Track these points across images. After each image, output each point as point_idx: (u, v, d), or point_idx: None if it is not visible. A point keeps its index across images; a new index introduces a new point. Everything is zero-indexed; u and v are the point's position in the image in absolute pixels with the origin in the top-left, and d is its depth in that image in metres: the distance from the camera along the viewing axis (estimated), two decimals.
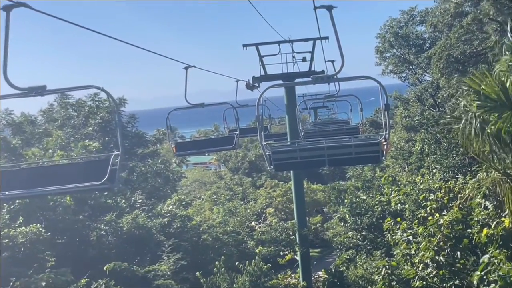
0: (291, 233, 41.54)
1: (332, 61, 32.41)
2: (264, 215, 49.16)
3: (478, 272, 21.66)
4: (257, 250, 26.10)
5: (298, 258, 38.74)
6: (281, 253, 39.75)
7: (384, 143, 12.70)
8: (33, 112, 40.67)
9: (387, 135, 12.47)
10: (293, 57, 34.38)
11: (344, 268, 36.34)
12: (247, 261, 25.26)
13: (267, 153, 13.08)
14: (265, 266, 25.24)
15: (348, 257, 35.51)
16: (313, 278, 41.08)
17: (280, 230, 40.60)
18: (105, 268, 22.89)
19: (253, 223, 45.31)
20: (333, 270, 40.96)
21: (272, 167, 13.24)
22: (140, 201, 30.33)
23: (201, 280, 23.66)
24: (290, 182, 40.67)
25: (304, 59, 35.04)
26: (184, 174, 68.16)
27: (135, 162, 38.52)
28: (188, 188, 62.44)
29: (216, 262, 24.64)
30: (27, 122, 37.20)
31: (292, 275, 40.62)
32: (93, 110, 39.48)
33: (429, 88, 41.97)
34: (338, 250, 39.27)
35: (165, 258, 25.38)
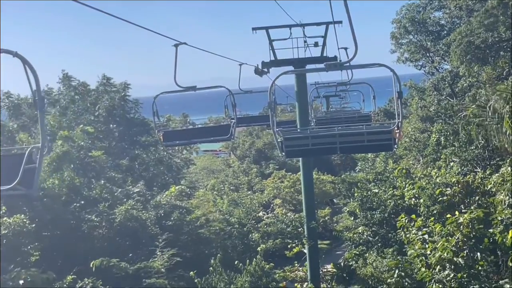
0: (299, 225, 39.30)
1: (345, 48, 30.95)
2: (272, 205, 46.73)
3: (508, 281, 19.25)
4: (259, 249, 23.36)
5: (306, 251, 36.39)
6: (289, 246, 37.58)
7: (396, 131, 12.48)
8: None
9: (399, 123, 12.26)
10: (305, 41, 32.21)
11: (354, 262, 33.79)
12: (247, 260, 22.54)
13: (278, 140, 12.78)
14: (268, 266, 22.47)
15: (357, 253, 32.90)
16: (321, 272, 38.70)
17: (287, 222, 38.12)
18: (91, 264, 20.41)
19: (260, 213, 42.94)
20: (342, 265, 38.71)
21: (283, 153, 12.99)
22: (137, 190, 27.70)
23: (195, 280, 21.05)
24: (299, 172, 38.16)
25: (316, 44, 32.70)
26: (193, 161, 65.99)
27: (138, 151, 36.03)
28: (196, 176, 59.99)
29: (212, 261, 22.02)
30: (26, 105, 34.76)
31: (300, 268, 38.49)
32: (99, 95, 37.06)
33: (447, 77, 39.06)
34: (347, 244, 36.68)
35: (158, 253, 22.81)
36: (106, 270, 21.25)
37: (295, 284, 38.01)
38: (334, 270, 39.50)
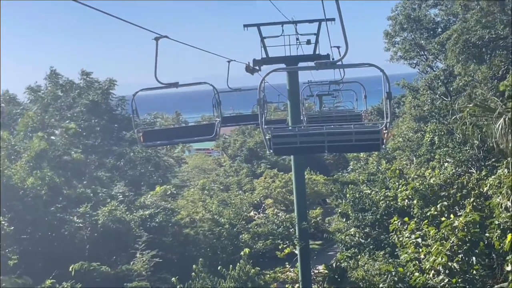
0: (290, 226, 38.24)
1: (338, 47, 30.25)
2: (263, 205, 45.55)
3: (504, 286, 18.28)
4: (242, 253, 22.04)
5: (297, 252, 35.37)
6: (280, 247, 36.54)
7: (384, 131, 12.35)
8: (19, 90, 37.13)
9: (388, 123, 12.19)
10: (297, 39, 31.28)
11: (346, 262, 32.75)
12: (232, 265, 21.29)
13: (267, 137, 12.69)
14: (253, 270, 21.18)
15: (349, 255, 31.84)
16: (312, 273, 37.67)
17: (277, 222, 37.04)
18: (70, 268, 19.26)
19: (252, 213, 41.79)
20: (334, 266, 37.73)
21: (271, 151, 12.94)
22: (122, 191, 26.44)
23: (178, 287, 19.82)
24: (291, 172, 37.12)
25: (308, 42, 31.87)
26: (184, 160, 64.85)
27: (124, 149, 34.71)
28: (188, 175, 58.77)
29: (194, 266, 20.77)
30: (5, 101, 33.49)
31: (291, 269, 37.48)
32: (82, 91, 35.70)
33: (441, 76, 37.93)
34: (339, 246, 35.65)
35: (138, 256, 21.60)
36: (86, 274, 20.13)
37: (286, 286, 37.00)
38: (326, 271, 38.53)
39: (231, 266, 21.04)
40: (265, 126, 12.71)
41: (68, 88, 36.24)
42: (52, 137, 25.45)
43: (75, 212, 23.53)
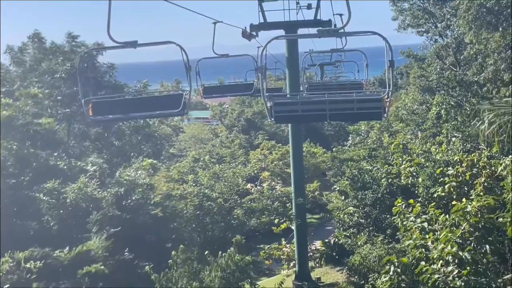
0: (286, 200, 35.31)
1: (341, 15, 27.32)
2: (260, 178, 42.46)
3: None
4: (233, 240, 18.83)
5: (293, 228, 32.60)
6: (276, 221, 33.72)
7: (386, 100, 12.06)
8: None
9: (390, 92, 11.93)
10: (297, 3, 29.88)
11: (344, 240, 29.86)
12: (220, 252, 17.99)
13: (268, 105, 12.33)
14: (241, 258, 17.72)
15: (348, 235, 28.84)
16: (309, 250, 34.97)
17: (272, 198, 34.06)
18: (20, 255, 16.11)
19: (248, 186, 38.78)
20: (331, 243, 35.10)
21: (272, 119, 12.45)
22: (95, 164, 23.01)
23: (152, 277, 16.64)
24: (289, 144, 34.28)
25: (309, 7, 30.10)
26: (182, 129, 61.97)
27: None
28: (185, 144, 55.72)
29: (173, 252, 17.57)
30: None
31: (287, 245, 34.75)
32: (67, 56, 32.34)
33: (452, 44, 34.30)
34: (337, 225, 32.72)
35: (93, 237, 18.29)
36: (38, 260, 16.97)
37: (282, 262, 34.44)
38: (323, 248, 35.92)
39: (220, 252, 17.73)
40: (267, 94, 12.24)
41: (52, 53, 32.85)
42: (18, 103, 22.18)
43: (41, 188, 20.20)
